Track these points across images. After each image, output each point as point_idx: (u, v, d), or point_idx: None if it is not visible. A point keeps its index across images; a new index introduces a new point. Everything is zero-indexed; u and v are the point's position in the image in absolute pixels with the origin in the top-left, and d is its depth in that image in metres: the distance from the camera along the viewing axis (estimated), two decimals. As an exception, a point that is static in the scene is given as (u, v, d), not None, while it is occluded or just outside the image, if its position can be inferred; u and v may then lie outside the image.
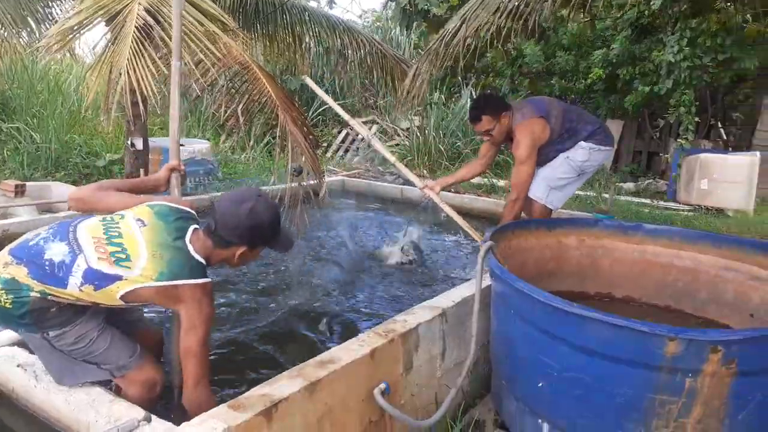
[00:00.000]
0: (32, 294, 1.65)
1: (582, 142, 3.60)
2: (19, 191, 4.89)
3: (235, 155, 8.21)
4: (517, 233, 2.94)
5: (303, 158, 3.85)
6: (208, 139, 8.01)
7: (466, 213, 6.03)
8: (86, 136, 6.83)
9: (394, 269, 4.17)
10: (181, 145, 6.60)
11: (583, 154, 3.63)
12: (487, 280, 2.46)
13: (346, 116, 3.85)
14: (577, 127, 3.62)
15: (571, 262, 3.13)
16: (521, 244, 2.96)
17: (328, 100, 3.80)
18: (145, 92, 3.57)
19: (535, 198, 3.68)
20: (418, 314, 2.27)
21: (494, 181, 8.05)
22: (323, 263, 4.26)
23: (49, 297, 1.66)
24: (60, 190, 4.95)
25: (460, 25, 3.08)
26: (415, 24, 7.97)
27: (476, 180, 8.34)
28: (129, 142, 4.87)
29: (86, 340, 1.76)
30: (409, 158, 8.80)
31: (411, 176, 3.87)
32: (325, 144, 9.48)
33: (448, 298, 2.46)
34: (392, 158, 3.88)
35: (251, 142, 7.73)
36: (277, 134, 3.87)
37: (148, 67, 3.49)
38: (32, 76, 7.48)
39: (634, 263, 3.06)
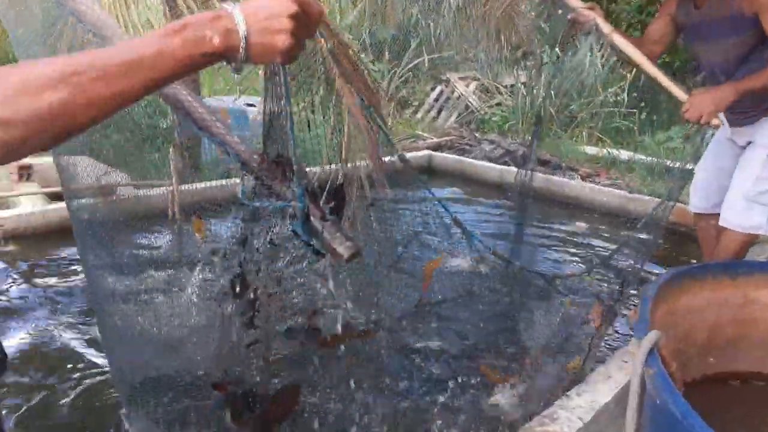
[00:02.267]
0: None
1: None
2: (24, 174, 3.92)
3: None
4: (686, 286, 1.88)
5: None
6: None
7: (586, 208, 4.77)
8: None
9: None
10: (252, 105, 5.85)
11: None
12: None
13: None
14: None
15: (761, 328, 2.05)
16: (690, 302, 1.90)
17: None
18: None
19: (740, 228, 2.45)
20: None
21: (615, 152, 6.72)
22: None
23: None
24: (89, 169, 4.12)
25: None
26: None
27: (592, 150, 7.04)
28: (176, 106, 4.11)
29: None
30: (512, 122, 7.62)
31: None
32: (416, 103, 8.43)
33: (569, 415, 1.49)
34: None
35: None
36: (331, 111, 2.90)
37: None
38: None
39: None
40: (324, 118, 2.79)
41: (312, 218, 1.16)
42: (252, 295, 1.50)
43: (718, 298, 1.96)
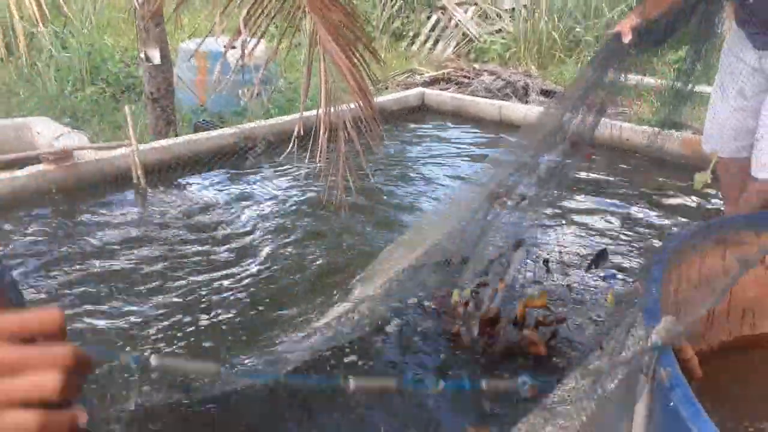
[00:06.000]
0: None
1: None
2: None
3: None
4: (703, 247, 1.63)
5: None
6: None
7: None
8: (128, 39, 5.83)
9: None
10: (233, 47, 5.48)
11: None
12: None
13: None
14: None
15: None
16: (708, 265, 1.66)
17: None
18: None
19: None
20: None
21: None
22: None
23: None
24: (47, 129, 3.42)
25: None
26: None
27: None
28: (142, 55, 3.80)
29: None
30: (513, 49, 7.17)
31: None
32: (411, 34, 7.95)
33: None
34: None
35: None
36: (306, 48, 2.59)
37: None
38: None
39: None
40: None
41: None
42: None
43: (740, 256, 1.71)
